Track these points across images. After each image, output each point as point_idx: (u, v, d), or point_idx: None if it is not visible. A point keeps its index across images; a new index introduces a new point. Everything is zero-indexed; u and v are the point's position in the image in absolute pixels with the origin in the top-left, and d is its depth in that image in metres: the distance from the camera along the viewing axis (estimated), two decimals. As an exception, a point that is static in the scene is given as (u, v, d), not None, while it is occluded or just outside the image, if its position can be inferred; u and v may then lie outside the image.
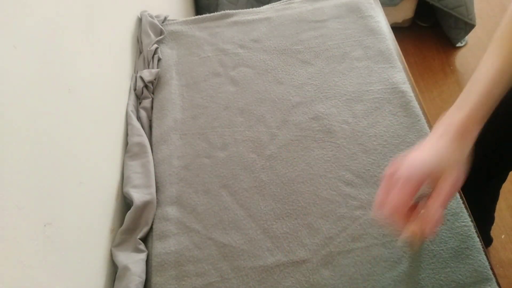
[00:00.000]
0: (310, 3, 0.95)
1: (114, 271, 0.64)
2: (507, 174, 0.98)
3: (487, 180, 0.98)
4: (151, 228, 0.66)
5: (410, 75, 0.80)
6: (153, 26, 0.90)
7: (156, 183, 0.70)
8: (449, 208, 0.62)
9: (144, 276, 0.61)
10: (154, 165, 0.72)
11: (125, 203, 0.72)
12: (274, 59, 0.85)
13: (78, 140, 0.60)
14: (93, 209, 0.62)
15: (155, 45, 0.88)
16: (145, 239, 0.66)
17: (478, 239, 0.59)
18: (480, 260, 0.58)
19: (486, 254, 0.58)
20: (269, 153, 0.72)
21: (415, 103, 0.74)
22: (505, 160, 0.91)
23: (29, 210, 0.46)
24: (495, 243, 1.23)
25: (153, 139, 0.77)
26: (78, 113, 0.61)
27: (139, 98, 0.83)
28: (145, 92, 0.82)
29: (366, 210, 0.64)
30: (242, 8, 1.18)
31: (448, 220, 0.61)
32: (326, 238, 0.62)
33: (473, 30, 1.64)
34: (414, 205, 0.50)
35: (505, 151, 0.88)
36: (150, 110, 0.81)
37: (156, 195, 0.69)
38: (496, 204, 1.11)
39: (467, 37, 1.73)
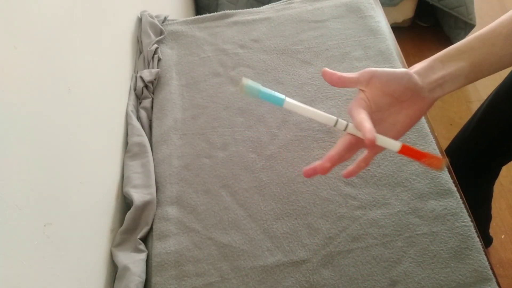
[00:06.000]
0: (310, 3, 0.95)
1: (114, 271, 0.64)
2: (499, 170, 0.98)
3: (479, 176, 0.98)
4: (151, 228, 0.66)
5: (410, 75, 0.80)
6: (153, 26, 0.90)
7: (156, 183, 0.70)
8: (449, 208, 0.62)
9: (144, 276, 0.61)
10: (154, 165, 0.72)
11: (125, 203, 0.72)
12: (274, 59, 0.85)
13: (78, 140, 0.60)
14: (93, 209, 0.62)
15: (155, 45, 0.88)
16: (145, 239, 0.66)
17: (478, 239, 0.59)
18: (480, 260, 0.58)
19: (486, 254, 0.58)
20: (269, 153, 0.72)
21: (415, 103, 0.74)
22: (498, 154, 0.91)
23: (29, 210, 0.46)
24: (495, 243, 1.23)
25: (153, 139, 0.77)
26: (78, 113, 0.61)
27: (139, 98, 0.83)
28: (145, 92, 0.82)
29: (366, 210, 0.64)
30: (242, 8, 1.18)
31: (448, 220, 0.61)
32: (326, 238, 0.62)
33: (473, 30, 1.64)
34: None
35: (500, 145, 0.88)
36: (150, 110, 0.81)
37: (156, 195, 0.69)
38: (491, 201, 1.10)
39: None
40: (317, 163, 0.45)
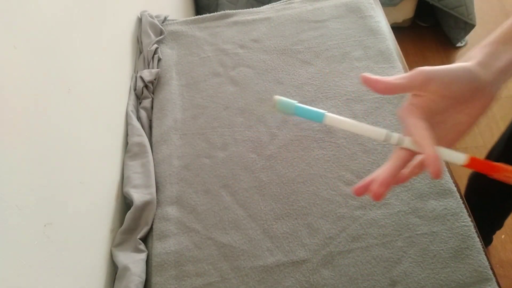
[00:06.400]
0: (310, 3, 0.95)
1: (114, 271, 0.64)
2: None
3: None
4: (151, 228, 0.66)
5: (410, 75, 0.80)
6: (153, 26, 0.90)
7: (156, 183, 0.70)
8: (449, 208, 0.62)
9: (144, 276, 0.61)
10: (154, 165, 0.72)
11: (125, 203, 0.72)
12: (274, 59, 0.85)
13: (78, 140, 0.60)
14: (93, 209, 0.62)
15: (155, 45, 0.88)
16: (145, 239, 0.66)
17: (478, 239, 0.59)
18: (480, 260, 0.58)
19: (486, 254, 0.58)
20: (269, 153, 0.72)
21: (415, 103, 0.74)
22: None
23: (29, 210, 0.46)
24: (495, 243, 1.23)
25: (153, 139, 0.77)
26: (78, 113, 0.61)
27: (139, 98, 0.83)
28: (145, 92, 0.82)
29: (366, 210, 0.64)
30: (242, 8, 1.18)
31: (448, 220, 0.61)
32: (326, 238, 0.62)
33: (473, 30, 1.64)
34: None
35: None
36: (150, 110, 0.81)
37: (156, 195, 0.69)
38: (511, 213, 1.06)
39: (467, 37, 1.73)
40: (370, 180, 0.39)
